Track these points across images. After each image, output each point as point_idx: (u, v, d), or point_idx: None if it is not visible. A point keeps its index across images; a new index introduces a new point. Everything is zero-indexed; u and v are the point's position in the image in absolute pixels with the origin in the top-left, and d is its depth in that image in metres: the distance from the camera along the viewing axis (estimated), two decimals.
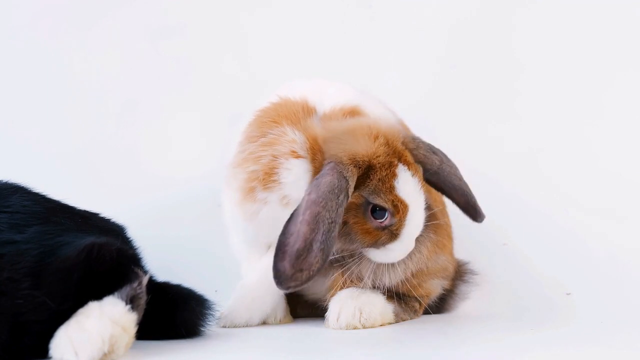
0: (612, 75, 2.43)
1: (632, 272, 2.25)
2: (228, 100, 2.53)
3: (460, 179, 1.85)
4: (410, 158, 1.77)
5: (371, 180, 1.71)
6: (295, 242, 1.61)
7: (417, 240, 1.80)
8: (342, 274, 1.81)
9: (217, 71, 2.58)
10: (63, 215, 1.50)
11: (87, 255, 1.41)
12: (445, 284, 2.01)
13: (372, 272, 1.80)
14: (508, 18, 2.49)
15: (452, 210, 2.05)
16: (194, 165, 2.51)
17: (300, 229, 1.62)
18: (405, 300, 1.90)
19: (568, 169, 2.40)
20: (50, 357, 1.33)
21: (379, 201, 1.71)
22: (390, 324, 1.83)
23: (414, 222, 1.75)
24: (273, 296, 1.86)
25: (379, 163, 1.71)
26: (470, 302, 2.10)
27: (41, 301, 1.34)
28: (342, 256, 1.79)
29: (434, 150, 1.84)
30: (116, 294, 1.41)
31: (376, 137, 1.74)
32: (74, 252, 1.39)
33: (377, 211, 1.72)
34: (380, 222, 1.73)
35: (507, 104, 2.47)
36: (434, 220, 1.90)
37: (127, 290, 1.43)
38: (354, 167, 1.70)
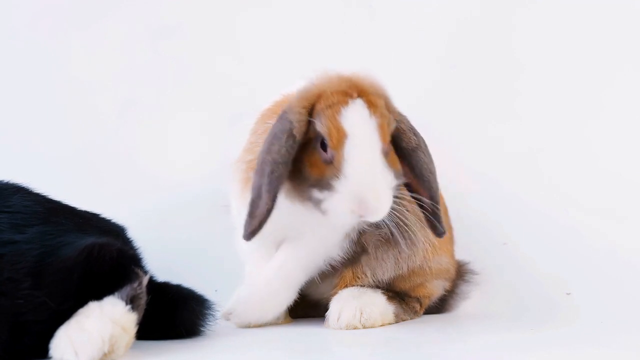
0: (611, 75, 2.42)
1: (633, 272, 2.25)
2: (228, 101, 2.53)
3: (432, 173, 1.74)
4: (378, 103, 1.67)
5: (321, 105, 1.65)
6: (251, 194, 1.64)
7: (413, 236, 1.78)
8: (352, 271, 1.82)
9: (217, 72, 2.58)
10: (64, 216, 1.51)
11: (88, 256, 1.41)
12: (447, 285, 2.01)
13: (371, 265, 1.80)
14: (508, 18, 2.49)
15: (453, 213, 2.06)
16: (194, 166, 2.51)
17: (253, 180, 1.64)
18: (406, 300, 1.91)
19: (568, 169, 2.40)
20: (50, 357, 1.33)
21: (318, 126, 1.64)
22: (390, 324, 1.83)
23: (357, 156, 1.62)
24: (287, 295, 1.82)
25: (331, 90, 1.65)
26: (471, 302, 2.10)
27: (41, 301, 1.35)
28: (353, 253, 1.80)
29: (415, 134, 1.75)
30: (116, 294, 1.42)
31: (336, 76, 1.69)
32: (75, 252, 1.40)
33: (324, 143, 1.64)
34: (326, 154, 1.64)
35: (507, 104, 2.46)
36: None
37: (127, 290, 1.43)
38: (302, 107, 1.65)
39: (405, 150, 1.73)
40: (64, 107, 2.60)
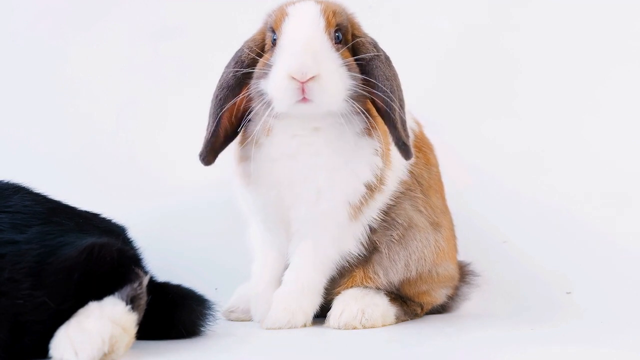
0: (607, 73, 2.43)
1: (633, 271, 2.25)
2: None
3: (389, 80, 1.67)
4: (329, 3, 1.72)
5: (275, 10, 1.73)
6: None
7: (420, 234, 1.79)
8: (363, 271, 1.82)
9: (217, 72, 2.57)
10: (64, 216, 1.51)
11: (88, 256, 1.41)
12: (450, 292, 2.01)
13: (382, 265, 1.81)
14: (506, 18, 2.49)
15: (452, 211, 2.06)
16: (194, 166, 2.49)
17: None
18: (408, 303, 1.91)
19: (568, 167, 2.40)
20: (50, 357, 1.33)
21: (268, 21, 1.71)
22: (390, 324, 1.83)
23: (293, 27, 1.64)
24: (311, 301, 1.79)
25: (287, 4, 1.72)
26: (470, 301, 2.10)
27: (41, 301, 1.35)
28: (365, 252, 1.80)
29: (377, 48, 1.74)
30: (117, 294, 1.42)
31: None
32: (75, 252, 1.40)
33: (274, 39, 1.69)
34: (274, 45, 1.69)
35: (506, 103, 2.47)
36: (440, 217, 1.91)
37: (127, 290, 1.43)
38: (258, 34, 1.74)
39: (364, 60, 1.71)
40: (65, 107, 2.60)
